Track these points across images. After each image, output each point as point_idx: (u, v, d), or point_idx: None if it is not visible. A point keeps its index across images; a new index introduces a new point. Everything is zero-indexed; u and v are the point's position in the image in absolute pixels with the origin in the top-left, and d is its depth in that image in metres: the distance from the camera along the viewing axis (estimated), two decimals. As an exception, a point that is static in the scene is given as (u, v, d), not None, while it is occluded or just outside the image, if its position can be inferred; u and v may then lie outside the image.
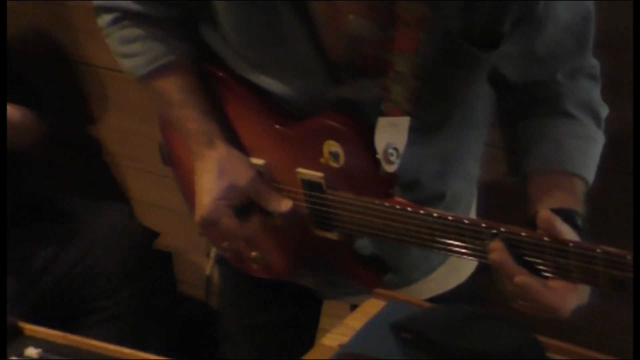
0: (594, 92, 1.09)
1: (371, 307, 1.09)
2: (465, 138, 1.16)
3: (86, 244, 1.90)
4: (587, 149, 1.05)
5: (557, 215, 0.91)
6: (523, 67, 1.06)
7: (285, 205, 1.09)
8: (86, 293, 1.89)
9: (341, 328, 1.05)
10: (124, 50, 1.13)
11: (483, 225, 0.91)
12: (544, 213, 0.88)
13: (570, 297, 0.91)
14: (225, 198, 1.08)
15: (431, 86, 1.01)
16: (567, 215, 0.95)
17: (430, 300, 1.18)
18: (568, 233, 0.89)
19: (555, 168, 1.03)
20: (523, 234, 0.89)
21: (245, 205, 1.11)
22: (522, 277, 0.89)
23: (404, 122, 0.99)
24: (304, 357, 1.01)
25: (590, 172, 1.05)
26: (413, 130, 1.01)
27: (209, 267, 1.32)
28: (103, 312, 1.91)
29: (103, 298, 1.91)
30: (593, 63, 1.10)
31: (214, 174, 1.08)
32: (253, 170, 1.08)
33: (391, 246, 1.08)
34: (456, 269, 1.28)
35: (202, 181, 1.10)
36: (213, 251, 1.29)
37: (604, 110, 1.10)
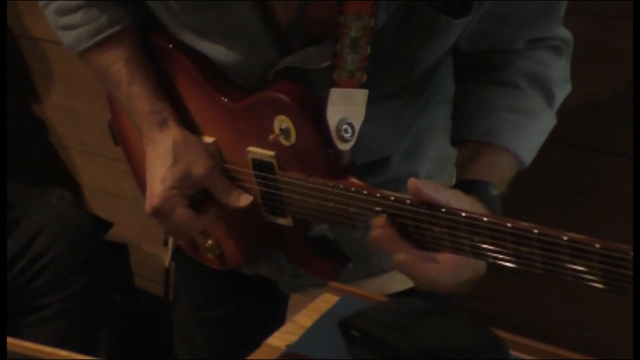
0: (553, 67, 1.08)
1: (324, 302, 1.08)
2: (436, 114, 1.16)
3: (29, 235, 1.89)
4: (525, 124, 1.04)
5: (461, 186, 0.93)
6: (483, 31, 1.05)
7: (245, 200, 1.08)
8: (29, 289, 1.88)
9: (290, 326, 1.04)
10: (64, 22, 1.11)
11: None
12: (410, 181, 0.87)
13: (460, 271, 0.90)
14: (180, 187, 1.07)
15: (390, 55, 1.00)
16: (479, 188, 0.97)
17: (404, 293, 1.19)
18: (451, 200, 0.88)
19: (483, 139, 1.03)
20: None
21: (199, 195, 1.10)
22: (401, 255, 0.89)
23: (361, 95, 0.98)
24: (247, 358, 1.01)
25: (524, 149, 1.04)
26: (375, 103, 1.00)
27: (167, 258, 1.31)
28: (46, 309, 1.90)
29: (47, 294, 1.90)
30: (562, 36, 1.09)
31: (168, 160, 1.06)
32: (211, 160, 1.07)
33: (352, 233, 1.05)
34: None
35: (154, 168, 1.08)
36: (171, 241, 1.28)
37: (562, 89, 1.09)
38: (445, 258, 0.89)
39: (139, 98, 1.09)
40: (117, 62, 1.09)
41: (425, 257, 0.89)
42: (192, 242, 1.19)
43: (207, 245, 1.17)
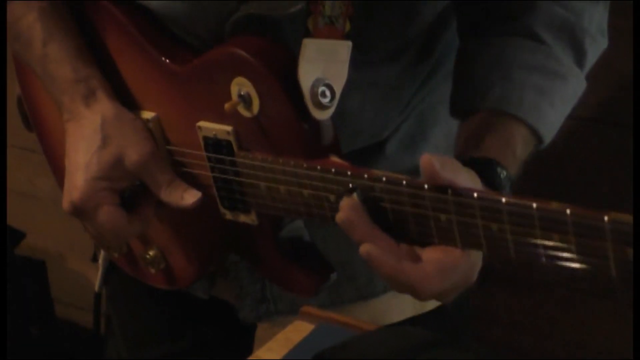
0: (587, 16, 1.05)
1: (295, 333, 1.07)
2: (444, 91, 1.10)
3: None
4: (548, 88, 1.03)
5: (459, 164, 0.90)
6: None
7: (191, 197, 1.04)
8: None
9: (254, 363, 1.08)
10: None
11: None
12: (423, 159, 0.85)
13: (448, 275, 0.89)
14: (108, 178, 1.03)
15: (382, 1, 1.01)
16: (485, 168, 0.95)
17: (401, 324, 1.18)
18: (467, 183, 0.87)
19: (494, 106, 1.01)
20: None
21: (134, 190, 1.08)
22: (367, 247, 0.88)
23: (343, 48, 0.96)
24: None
25: (545, 121, 1.02)
26: (364, 68, 1.02)
27: (98, 279, 1.29)
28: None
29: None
30: None
31: (94, 142, 1.03)
32: (149, 143, 1.04)
33: (335, 234, 1.00)
34: None
35: (75, 153, 1.05)
36: (102, 255, 1.26)
37: (596, 44, 1.07)
38: (432, 257, 0.88)
39: (58, 62, 1.06)
40: (28, 14, 1.07)
41: (404, 253, 0.88)
42: (129, 255, 1.17)
43: (147, 256, 1.13)
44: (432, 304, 1.20)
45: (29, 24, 1.07)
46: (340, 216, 0.89)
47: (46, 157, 1.20)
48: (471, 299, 1.29)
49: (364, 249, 0.88)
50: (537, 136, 1.02)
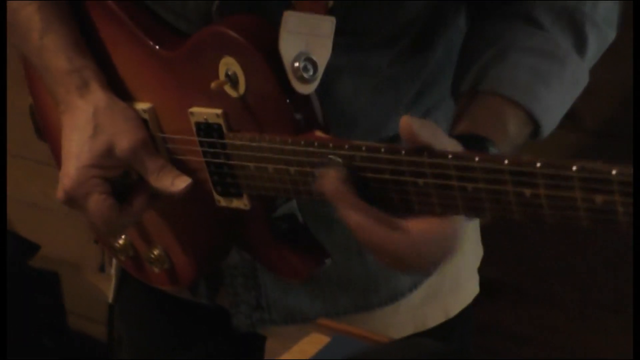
0: (590, 2, 1.03)
1: (310, 345, 1.06)
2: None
3: None
4: (544, 70, 1.01)
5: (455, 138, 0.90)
6: None
7: (181, 182, 1.04)
8: None
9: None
10: None
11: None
12: (403, 120, 0.85)
13: (430, 245, 0.89)
14: (99, 166, 1.04)
15: None
16: (474, 145, 0.94)
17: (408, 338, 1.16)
18: (445, 148, 0.87)
19: (486, 88, 1.00)
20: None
21: (127, 180, 1.09)
22: (357, 216, 0.88)
23: (326, 23, 0.95)
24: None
25: (538, 102, 1.00)
26: (356, 52, 1.02)
27: (112, 290, 1.29)
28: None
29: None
30: None
31: (86, 132, 1.04)
32: (141, 132, 1.06)
33: (331, 243, 1.04)
34: (454, 288, 1.22)
35: (69, 143, 1.06)
36: (115, 264, 1.27)
37: (600, 33, 1.05)
38: (417, 226, 0.87)
39: (53, 53, 1.07)
40: (27, 6, 1.08)
41: (389, 221, 0.88)
42: (135, 257, 1.18)
43: (152, 256, 1.14)
44: (433, 320, 1.21)
45: (28, 15, 1.08)
46: (328, 187, 0.89)
47: (58, 166, 1.18)
48: (479, 312, 1.27)
49: (354, 218, 0.88)
50: (533, 119, 1.01)
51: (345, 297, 1.16)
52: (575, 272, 1.56)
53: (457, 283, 1.16)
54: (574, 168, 0.75)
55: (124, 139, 1.04)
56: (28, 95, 1.21)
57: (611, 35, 1.06)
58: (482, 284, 1.23)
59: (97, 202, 1.04)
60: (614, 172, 0.74)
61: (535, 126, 1.00)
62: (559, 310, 1.60)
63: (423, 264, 0.91)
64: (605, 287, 1.53)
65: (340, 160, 0.91)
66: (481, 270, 1.23)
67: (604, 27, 1.05)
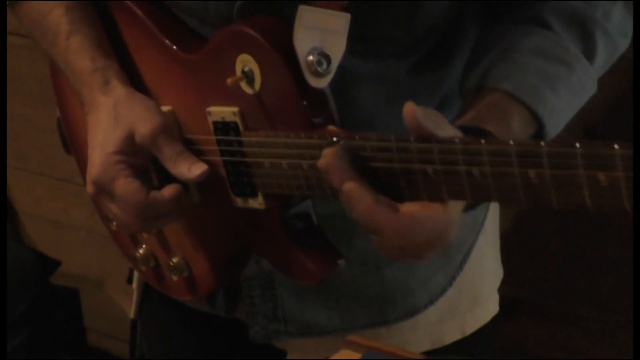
0: (602, 10, 1.03)
1: None
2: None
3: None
4: (551, 73, 1.01)
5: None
6: None
7: (197, 169, 1.05)
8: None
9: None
10: None
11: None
12: (406, 107, 0.86)
13: (421, 227, 0.89)
14: (123, 152, 1.05)
15: None
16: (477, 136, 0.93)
17: (428, 353, 1.15)
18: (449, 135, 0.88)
19: (492, 84, 1.00)
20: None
21: (151, 172, 1.10)
22: (348, 184, 0.88)
23: (341, 20, 0.95)
24: None
25: (544, 103, 0.99)
26: (372, 60, 1.02)
27: (133, 306, 1.29)
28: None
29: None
30: None
31: (108, 123, 1.06)
32: (159, 117, 1.06)
33: (350, 260, 1.04)
34: (472, 306, 1.20)
35: (94, 137, 1.07)
36: (137, 278, 1.27)
37: (610, 40, 1.04)
38: (408, 208, 0.88)
39: (78, 53, 1.09)
40: (56, 9, 1.10)
41: (383, 200, 0.88)
42: (155, 267, 1.18)
43: (171, 264, 1.15)
44: (449, 337, 1.21)
45: (56, 18, 1.09)
46: (321, 162, 0.90)
47: (83, 179, 1.18)
48: (500, 332, 1.27)
49: (345, 186, 0.89)
50: (537, 120, 1.00)
51: (362, 312, 1.16)
52: (596, 292, 1.55)
53: (475, 301, 1.16)
54: (577, 145, 0.76)
55: (143, 126, 1.05)
56: (51, 113, 1.22)
57: (623, 45, 1.06)
58: (503, 303, 1.21)
59: (124, 185, 1.05)
60: (616, 146, 0.74)
61: (539, 128, 1.00)
62: (580, 330, 1.58)
63: (405, 246, 0.91)
64: (626, 307, 1.52)
65: (335, 139, 0.92)
66: (501, 289, 1.21)
67: (615, 36, 1.05)
